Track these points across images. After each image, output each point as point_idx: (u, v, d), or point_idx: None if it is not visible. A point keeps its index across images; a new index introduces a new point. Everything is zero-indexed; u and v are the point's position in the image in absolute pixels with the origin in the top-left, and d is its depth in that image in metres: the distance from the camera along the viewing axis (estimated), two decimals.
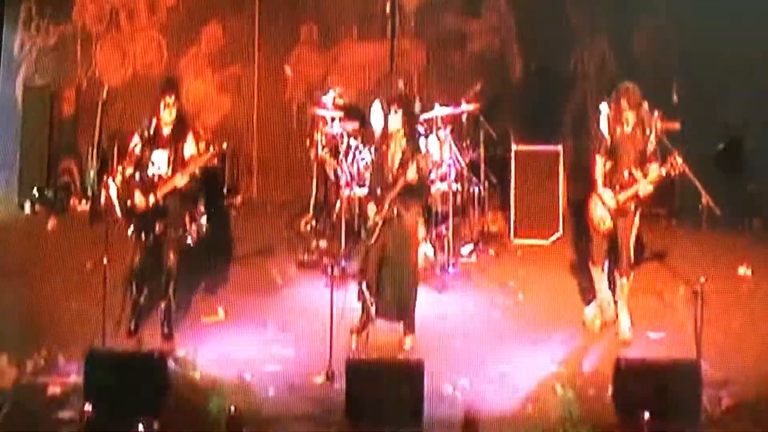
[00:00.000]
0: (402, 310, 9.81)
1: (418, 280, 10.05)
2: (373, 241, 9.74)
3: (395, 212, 9.68)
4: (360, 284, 9.84)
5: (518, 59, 13.65)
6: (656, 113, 10.06)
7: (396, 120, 9.71)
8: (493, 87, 13.07)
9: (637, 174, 9.65)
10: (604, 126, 9.85)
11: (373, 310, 9.80)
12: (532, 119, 13.21)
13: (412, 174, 9.55)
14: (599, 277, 10.05)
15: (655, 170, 9.61)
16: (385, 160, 9.80)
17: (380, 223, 9.69)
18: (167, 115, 9.61)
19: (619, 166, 9.76)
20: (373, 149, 10.44)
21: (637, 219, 9.82)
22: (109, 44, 13.99)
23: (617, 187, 9.73)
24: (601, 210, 9.80)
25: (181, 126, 9.71)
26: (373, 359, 9.24)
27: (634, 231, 9.85)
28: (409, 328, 9.83)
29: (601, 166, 9.82)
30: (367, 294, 9.78)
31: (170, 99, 9.61)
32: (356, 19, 13.75)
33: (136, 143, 9.66)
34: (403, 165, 9.63)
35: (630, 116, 9.67)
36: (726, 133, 13.02)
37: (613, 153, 9.78)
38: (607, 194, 9.75)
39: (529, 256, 11.92)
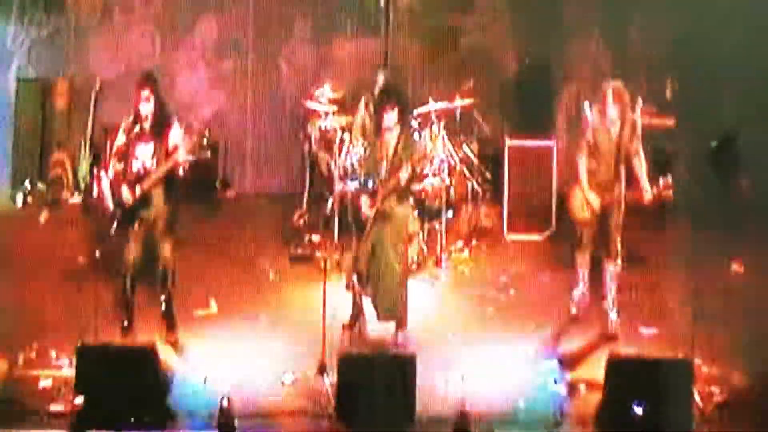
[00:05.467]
0: (393, 305, 9.79)
1: (409, 275, 10.04)
2: (365, 234, 9.73)
3: (388, 206, 9.67)
4: (350, 277, 9.84)
5: (512, 54, 13.64)
6: (639, 110, 10.15)
7: (391, 116, 9.69)
8: (486, 82, 13.07)
9: (621, 171, 9.77)
10: (588, 125, 9.95)
11: (363, 303, 9.81)
12: (525, 114, 13.20)
13: (404, 176, 9.57)
14: (583, 265, 10.13)
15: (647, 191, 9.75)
16: (380, 154, 9.78)
17: (373, 217, 9.69)
18: (145, 109, 9.59)
19: (602, 165, 9.86)
20: (366, 143, 10.44)
21: (622, 206, 9.91)
22: (102, 37, 13.94)
23: (602, 187, 9.84)
24: (583, 206, 9.90)
25: (163, 118, 9.69)
26: (365, 354, 9.23)
27: (620, 219, 9.92)
28: (401, 323, 9.82)
29: (584, 165, 9.92)
30: (357, 287, 9.78)
31: (146, 93, 9.59)
32: (350, 14, 13.72)
33: (121, 140, 9.67)
34: (396, 161, 9.62)
35: (615, 116, 9.74)
36: (719, 130, 13.03)
37: (597, 152, 9.86)
38: (591, 196, 9.85)
39: (522, 251, 11.92)
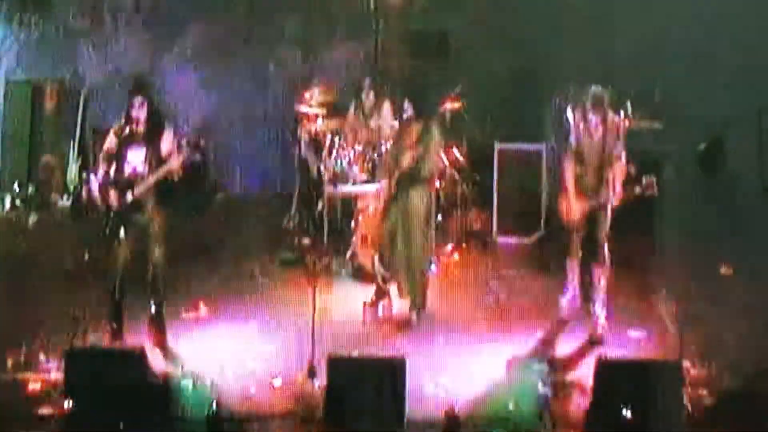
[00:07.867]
0: (414, 286, 10.10)
1: (430, 255, 10.43)
2: (382, 218, 10.12)
3: (403, 191, 9.99)
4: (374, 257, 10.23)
5: (502, 58, 13.67)
6: (623, 114, 10.19)
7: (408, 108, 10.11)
8: (476, 86, 13.09)
9: (608, 176, 9.78)
10: (572, 131, 9.99)
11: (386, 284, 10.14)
12: (514, 118, 13.22)
13: (407, 161, 9.86)
14: (573, 270, 10.14)
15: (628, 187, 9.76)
16: (404, 145, 10.08)
17: (387, 201, 10.05)
18: (139, 114, 9.57)
19: (588, 170, 9.89)
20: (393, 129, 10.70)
21: (609, 212, 9.93)
22: (91, 40, 13.93)
23: (588, 193, 9.86)
24: (571, 209, 9.93)
25: (156, 124, 9.67)
26: (354, 357, 9.22)
27: (608, 223, 9.94)
28: (417, 303, 10.13)
29: (570, 170, 9.95)
30: (379, 267, 10.08)
31: (140, 99, 9.57)
32: (340, 17, 13.74)
33: (111, 142, 9.65)
34: (408, 147, 9.91)
35: (597, 121, 9.80)
36: (707, 133, 13.06)
37: (581, 157, 9.91)
38: (575, 202, 9.89)
39: (512, 254, 11.93)
